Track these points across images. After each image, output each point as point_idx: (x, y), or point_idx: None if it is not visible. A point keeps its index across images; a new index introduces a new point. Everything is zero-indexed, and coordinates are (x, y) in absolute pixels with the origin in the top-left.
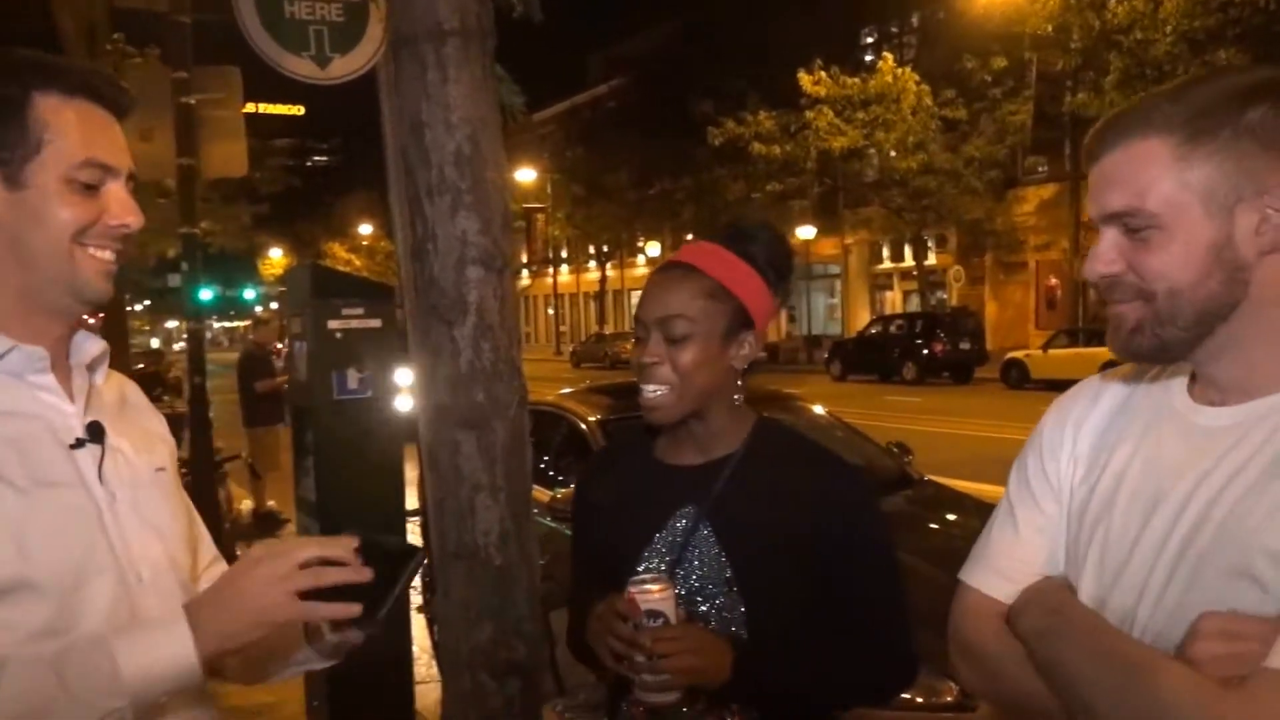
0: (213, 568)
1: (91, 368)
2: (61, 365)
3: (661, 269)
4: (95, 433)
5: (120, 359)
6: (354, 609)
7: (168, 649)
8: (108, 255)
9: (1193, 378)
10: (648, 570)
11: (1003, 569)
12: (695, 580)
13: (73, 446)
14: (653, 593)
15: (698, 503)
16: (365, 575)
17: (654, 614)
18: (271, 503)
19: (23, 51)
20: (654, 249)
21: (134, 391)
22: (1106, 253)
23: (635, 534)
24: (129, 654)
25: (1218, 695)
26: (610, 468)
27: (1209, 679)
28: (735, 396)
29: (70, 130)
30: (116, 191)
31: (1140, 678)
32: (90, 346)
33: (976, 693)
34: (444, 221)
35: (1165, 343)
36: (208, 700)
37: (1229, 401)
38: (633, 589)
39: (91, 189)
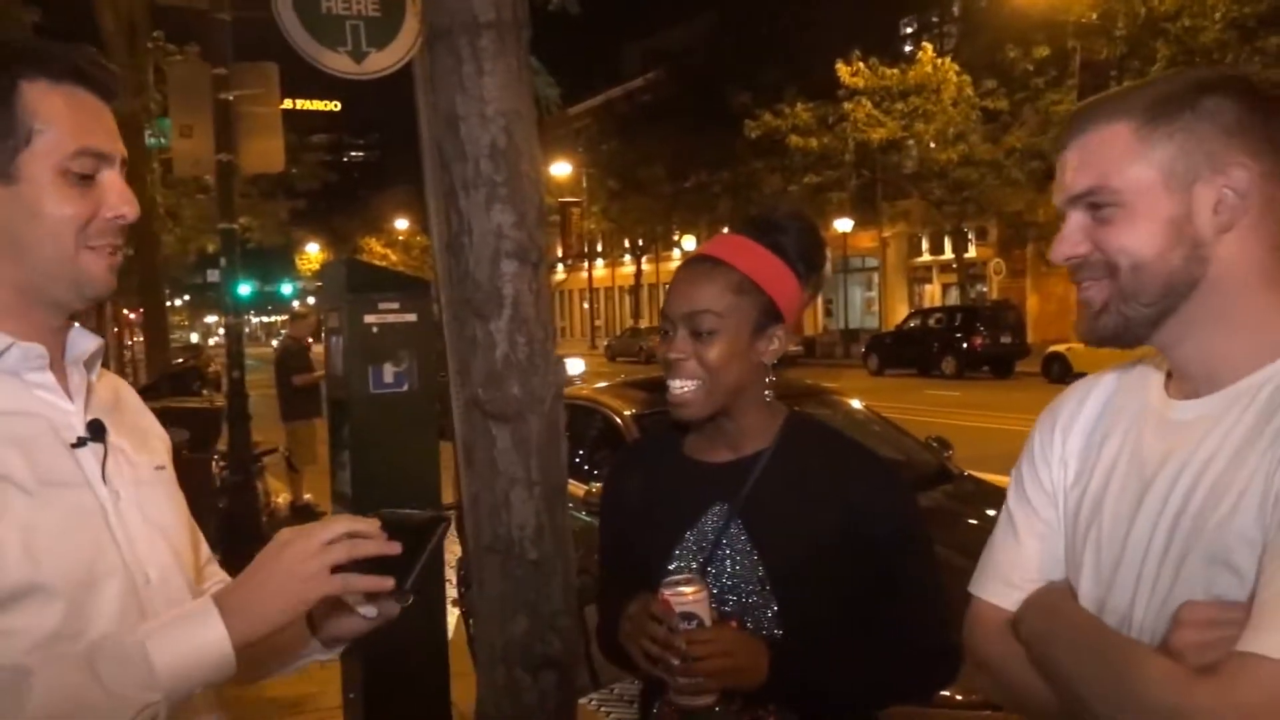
0: (209, 566)
1: (88, 365)
2: (58, 363)
3: (688, 263)
4: (96, 431)
5: (160, 354)
6: (388, 581)
7: (201, 639)
8: (109, 249)
9: (1169, 375)
10: (679, 570)
11: (1008, 578)
12: (727, 579)
13: (74, 445)
14: (686, 595)
15: (729, 501)
16: (394, 548)
17: (688, 616)
18: (308, 496)
19: (5, 36)
20: (689, 242)
21: (126, 389)
22: (1072, 235)
23: (666, 532)
24: (162, 647)
25: (1191, 681)
26: (639, 464)
27: (1185, 667)
28: (765, 392)
29: (61, 118)
30: (113, 180)
31: (1121, 669)
32: (86, 343)
33: (997, 700)
34: (479, 215)
35: (1129, 320)
36: (215, 703)
37: (1200, 393)
38: (666, 591)
39: (87, 179)
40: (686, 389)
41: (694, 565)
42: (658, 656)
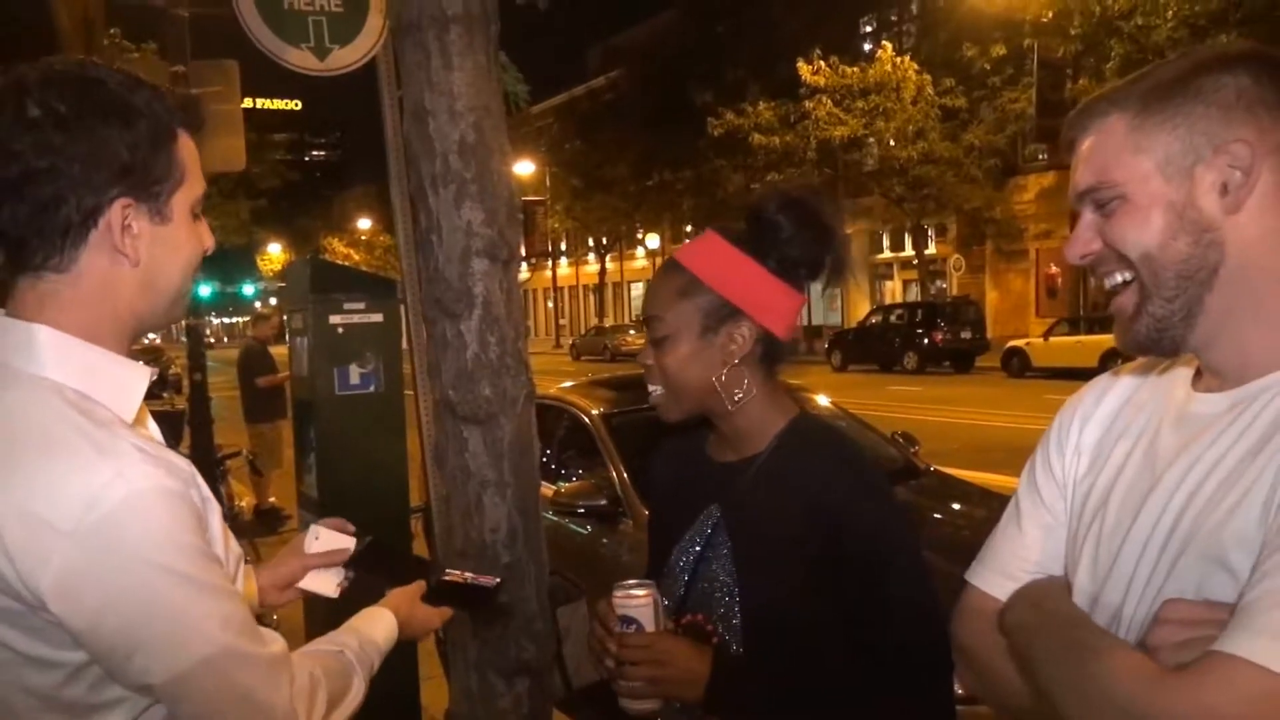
0: None
1: None
2: None
3: (661, 264)
4: None
5: None
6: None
7: (389, 626)
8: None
9: (1198, 372)
10: (678, 565)
11: (1005, 568)
12: (707, 584)
13: None
14: (635, 598)
15: (723, 502)
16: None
17: (627, 620)
18: (273, 499)
19: (152, 82)
20: (653, 241)
21: None
22: (1083, 233)
23: (671, 527)
24: (373, 630)
25: (1160, 679)
26: (669, 457)
27: (1155, 665)
28: (739, 392)
29: (193, 163)
30: (203, 219)
31: (1089, 663)
32: None
33: (974, 692)
34: (448, 212)
35: (1160, 321)
36: None
37: (1225, 387)
38: (616, 593)
39: (197, 218)
40: (656, 393)
41: (682, 563)
42: (598, 658)
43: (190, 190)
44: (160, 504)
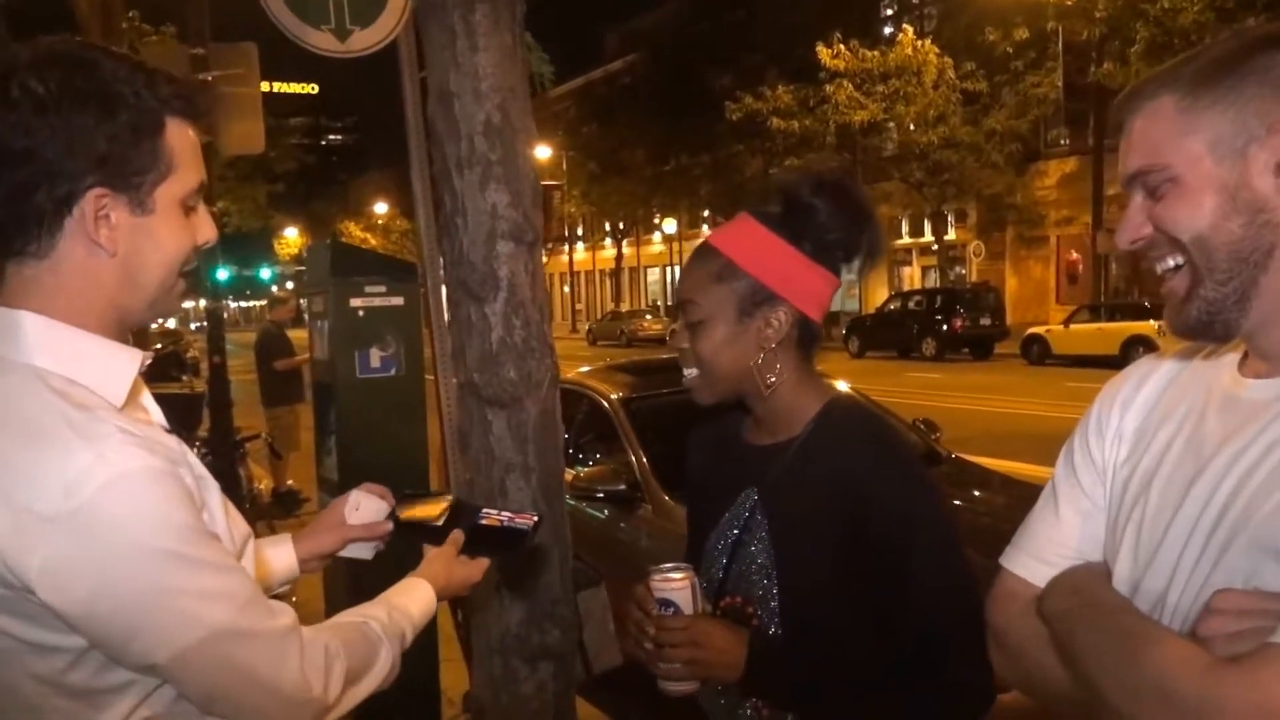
0: None
1: None
2: None
3: (695, 248)
4: None
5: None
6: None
7: (427, 596)
8: (188, 274)
9: (1245, 356)
10: (715, 548)
11: (1041, 554)
12: (744, 567)
13: None
14: (672, 581)
15: (760, 485)
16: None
17: (665, 603)
18: (290, 481)
19: (152, 68)
20: (670, 226)
21: None
22: (1133, 218)
23: (708, 511)
24: (405, 600)
25: (1214, 670)
26: (706, 440)
27: (1209, 656)
28: (774, 376)
29: (186, 153)
30: (203, 210)
31: (1139, 652)
32: None
33: (1008, 679)
34: (474, 195)
35: (1212, 305)
36: None
37: (1276, 373)
38: (654, 576)
39: (191, 210)
40: (690, 376)
41: (720, 546)
42: (636, 640)
43: (180, 182)
44: (146, 485)
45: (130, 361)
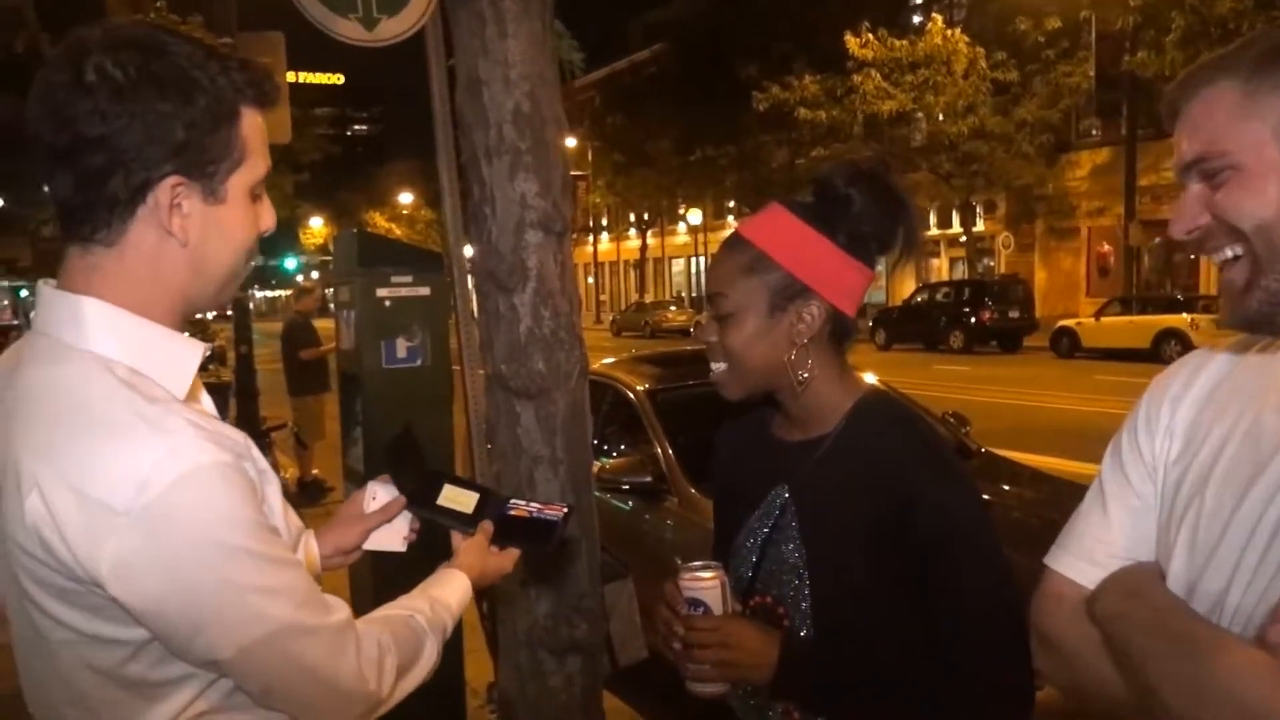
0: None
1: None
2: None
3: (724, 239)
4: None
5: None
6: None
7: (463, 588)
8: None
9: None
10: (745, 547)
11: (1089, 553)
12: (775, 566)
13: None
14: (702, 580)
15: (792, 482)
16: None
17: (695, 602)
18: (316, 471)
19: (224, 53)
20: (695, 217)
21: None
22: (1190, 207)
23: (738, 508)
24: (444, 592)
25: None
26: (734, 437)
27: (1278, 662)
28: (806, 371)
29: (257, 142)
30: (265, 199)
31: (1203, 659)
32: None
33: (1056, 684)
34: (502, 184)
35: (1274, 295)
36: None
37: None
38: (683, 575)
39: (258, 198)
40: (718, 370)
41: (753, 544)
42: (664, 640)
43: (251, 170)
44: (216, 479)
45: (193, 353)
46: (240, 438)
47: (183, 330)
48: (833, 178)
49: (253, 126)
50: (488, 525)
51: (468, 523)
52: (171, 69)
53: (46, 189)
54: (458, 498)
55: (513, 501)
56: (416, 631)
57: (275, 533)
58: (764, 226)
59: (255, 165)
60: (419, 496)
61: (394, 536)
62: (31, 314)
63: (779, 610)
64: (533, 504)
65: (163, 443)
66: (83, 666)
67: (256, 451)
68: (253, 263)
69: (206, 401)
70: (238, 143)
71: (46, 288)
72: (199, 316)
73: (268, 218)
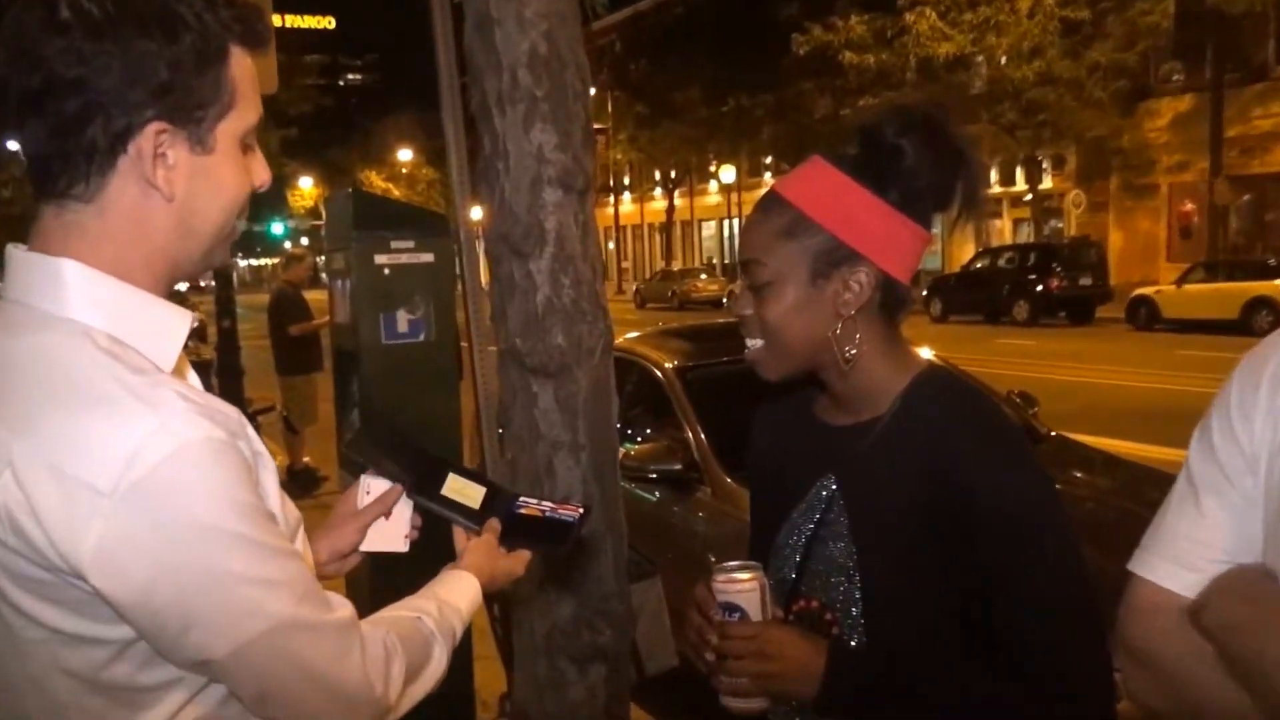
0: None
1: None
2: None
3: (759, 199)
4: None
5: None
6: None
7: (473, 590)
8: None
9: None
10: (787, 545)
11: (1182, 556)
12: (822, 566)
13: None
14: (739, 582)
15: (839, 472)
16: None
17: (730, 607)
18: (307, 458)
19: None
20: (728, 174)
21: None
22: None
23: (778, 500)
24: (452, 594)
25: None
26: (771, 420)
27: None
28: (854, 346)
29: (247, 86)
30: (257, 150)
31: None
32: None
33: (1151, 705)
34: (516, 136)
35: None
36: None
37: None
38: (717, 576)
39: (249, 149)
40: (754, 348)
41: (797, 541)
42: (696, 650)
43: (241, 117)
44: (209, 457)
45: (181, 321)
46: (234, 414)
47: (168, 296)
48: (882, 126)
49: (242, 69)
50: (495, 523)
51: (473, 519)
52: (153, 4)
53: (16, 143)
54: (464, 490)
55: (523, 499)
56: (424, 635)
57: (273, 519)
58: (804, 183)
59: (246, 112)
60: (421, 484)
61: (394, 535)
62: None
63: (826, 616)
64: (545, 502)
65: (151, 416)
66: (56, 670)
67: (251, 431)
68: (243, 223)
69: (193, 377)
70: (227, 85)
71: (18, 251)
72: (177, 289)
73: (261, 171)
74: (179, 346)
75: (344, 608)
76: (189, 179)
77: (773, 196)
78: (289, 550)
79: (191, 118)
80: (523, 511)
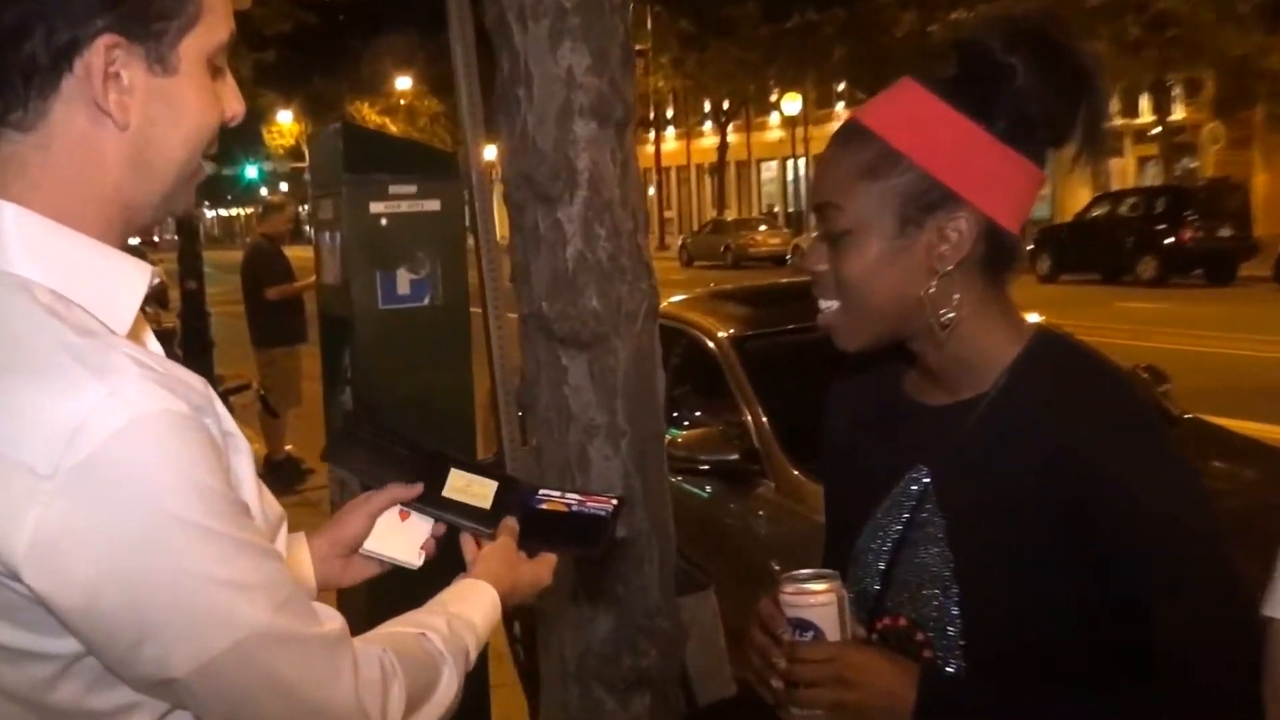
0: None
1: None
2: None
3: (836, 130)
4: None
5: None
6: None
7: (490, 603)
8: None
9: None
10: (869, 550)
11: None
12: (912, 576)
13: None
14: (811, 595)
15: (932, 463)
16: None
17: (802, 624)
18: (289, 447)
19: None
20: (792, 105)
21: None
22: None
23: (858, 497)
24: (466, 607)
25: None
26: (851, 398)
27: None
28: (951, 310)
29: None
30: (228, 75)
31: None
32: None
33: None
34: (541, 56)
35: None
36: None
37: None
38: (785, 588)
39: (218, 73)
40: (828, 310)
41: (882, 545)
42: (759, 674)
43: (210, 33)
44: (170, 433)
45: (139, 276)
46: (200, 385)
47: (122, 247)
48: (986, 41)
49: None
50: (512, 523)
51: (485, 521)
52: None
53: None
54: (470, 487)
55: (542, 492)
56: (431, 654)
57: (246, 511)
58: (891, 111)
59: (215, 27)
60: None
61: (408, 544)
62: None
63: (917, 636)
64: (570, 494)
65: (99, 385)
66: None
67: (221, 407)
68: (210, 165)
69: (153, 343)
70: None
71: None
72: (129, 243)
73: (233, 101)
74: (136, 305)
75: (333, 620)
76: (146, 104)
77: (853, 127)
78: (266, 548)
79: (150, 31)
80: (544, 507)
